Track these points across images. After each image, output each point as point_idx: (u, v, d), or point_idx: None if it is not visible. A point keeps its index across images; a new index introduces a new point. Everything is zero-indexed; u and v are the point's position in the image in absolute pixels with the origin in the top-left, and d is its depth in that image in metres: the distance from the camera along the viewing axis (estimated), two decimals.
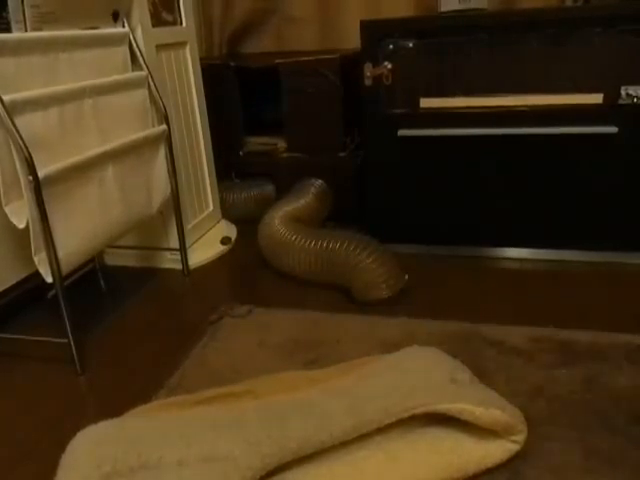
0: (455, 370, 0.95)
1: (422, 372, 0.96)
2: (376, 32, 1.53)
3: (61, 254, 1.11)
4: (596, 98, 1.43)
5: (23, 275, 1.34)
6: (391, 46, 1.53)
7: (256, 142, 2.04)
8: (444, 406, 0.84)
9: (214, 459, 0.80)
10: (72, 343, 1.17)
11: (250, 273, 1.61)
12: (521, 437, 0.86)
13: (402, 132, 1.57)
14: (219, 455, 0.81)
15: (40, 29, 1.13)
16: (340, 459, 0.83)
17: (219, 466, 0.79)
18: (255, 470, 0.78)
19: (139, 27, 1.41)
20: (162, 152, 1.47)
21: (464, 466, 0.84)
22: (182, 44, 1.63)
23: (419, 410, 0.84)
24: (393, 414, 0.85)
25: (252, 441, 0.82)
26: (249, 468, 0.78)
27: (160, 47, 1.51)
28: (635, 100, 1.40)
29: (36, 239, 1.08)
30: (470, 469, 0.84)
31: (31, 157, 1.03)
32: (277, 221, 1.58)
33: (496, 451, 0.85)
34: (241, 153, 2.02)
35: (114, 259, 1.70)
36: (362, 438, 0.85)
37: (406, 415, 0.84)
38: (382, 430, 0.86)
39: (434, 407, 0.84)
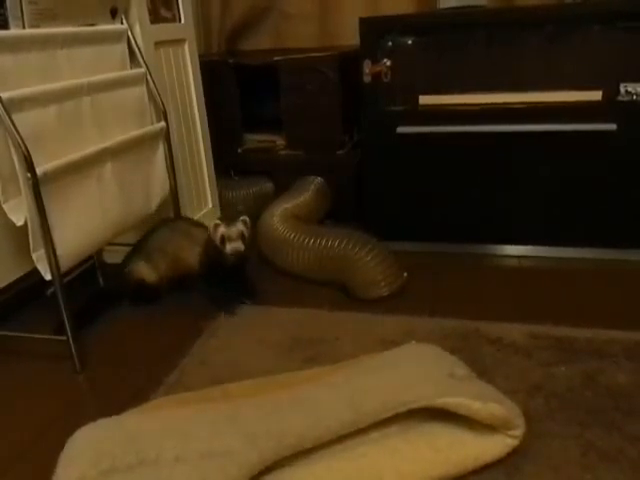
0: (453, 366, 0.96)
1: (420, 367, 0.96)
2: (375, 29, 1.52)
3: (60, 251, 1.11)
4: (595, 95, 1.43)
5: (22, 272, 1.33)
6: (390, 43, 1.53)
7: (255, 139, 2.04)
8: (442, 400, 0.84)
9: (212, 454, 0.81)
10: (71, 340, 1.17)
11: (249, 271, 1.60)
12: (519, 432, 0.86)
13: (401, 129, 1.56)
14: (217, 450, 0.81)
15: (38, 26, 1.13)
16: (339, 455, 0.84)
17: (217, 461, 0.79)
18: (252, 465, 0.78)
19: (137, 24, 1.40)
20: (161, 149, 1.47)
21: (462, 462, 0.84)
22: (181, 41, 1.63)
23: (417, 404, 0.84)
24: (390, 408, 0.85)
25: (250, 436, 0.82)
26: (247, 462, 0.78)
27: (159, 44, 1.50)
28: (634, 97, 1.40)
29: (34, 236, 1.08)
30: (468, 464, 0.84)
31: (29, 154, 1.03)
32: (276, 219, 1.58)
33: (494, 446, 0.85)
34: (240, 150, 2.02)
35: (113, 257, 1.69)
36: (360, 434, 0.85)
37: (403, 409, 0.84)
38: (380, 426, 0.86)
39: (432, 401, 0.84)
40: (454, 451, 0.84)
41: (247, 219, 1.35)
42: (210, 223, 1.34)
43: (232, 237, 1.30)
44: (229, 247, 1.29)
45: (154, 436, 0.85)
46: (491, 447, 0.85)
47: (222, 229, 1.31)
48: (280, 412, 0.88)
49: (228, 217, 1.38)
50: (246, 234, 1.33)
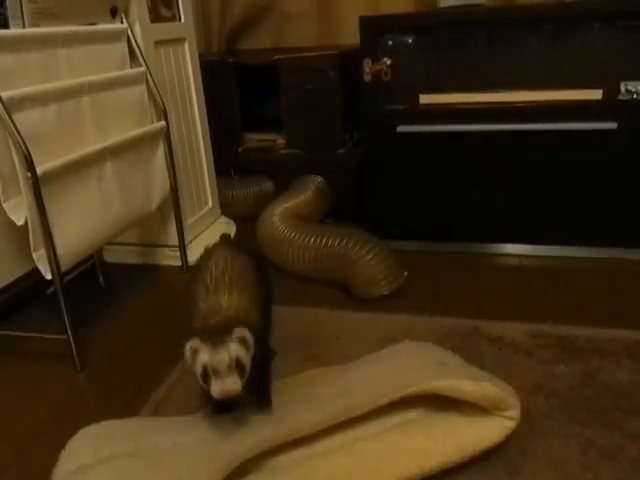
0: (446, 356, 0.97)
1: (412, 357, 0.98)
2: (375, 28, 1.52)
3: (60, 251, 1.11)
4: (595, 94, 1.42)
5: (22, 272, 1.33)
6: (390, 42, 1.53)
7: (255, 139, 2.04)
8: (434, 384, 0.84)
9: (207, 442, 0.83)
10: (71, 340, 1.17)
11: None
12: (515, 412, 0.85)
13: (401, 128, 1.56)
14: (212, 439, 0.83)
15: (38, 25, 1.13)
16: (338, 449, 0.84)
17: (210, 448, 0.81)
18: (249, 446, 0.80)
19: (137, 23, 1.40)
20: (161, 149, 1.47)
21: (461, 448, 0.83)
22: (181, 40, 1.63)
23: (410, 390, 0.85)
24: (385, 394, 0.85)
25: (247, 425, 0.85)
26: (242, 445, 0.80)
27: (159, 43, 1.50)
28: (635, 96, 1.40)
29: (35, 236, 1.08)
30: (467, 450, 0.83)
31: (29, 154, 1.03)
32: (276, 218, 1.58)
33: (492, 430, 0.85)
34: (240, 150, 2.02)
35: (113, 256, 1.69)
36: (360, 428, 0.86)
37: (397, 396, 0.84)
38: (378, 418, 0.86)
39: (425, 386, 0.84)
40: (452, 438, 0.84)
41: (246, 334, 0.81)
42: (187, 344, 0.81)
43: (220, 371, 0.77)
44: (215, 389, 0.77)
45: (154, 431, 0.88)
46: (489, 431, 0.84)
47: (204, 357, 0.78)
48: (277, 405, 0.90)
49: (215, 329, 0.82)
50: (245, 359, 0.80)
